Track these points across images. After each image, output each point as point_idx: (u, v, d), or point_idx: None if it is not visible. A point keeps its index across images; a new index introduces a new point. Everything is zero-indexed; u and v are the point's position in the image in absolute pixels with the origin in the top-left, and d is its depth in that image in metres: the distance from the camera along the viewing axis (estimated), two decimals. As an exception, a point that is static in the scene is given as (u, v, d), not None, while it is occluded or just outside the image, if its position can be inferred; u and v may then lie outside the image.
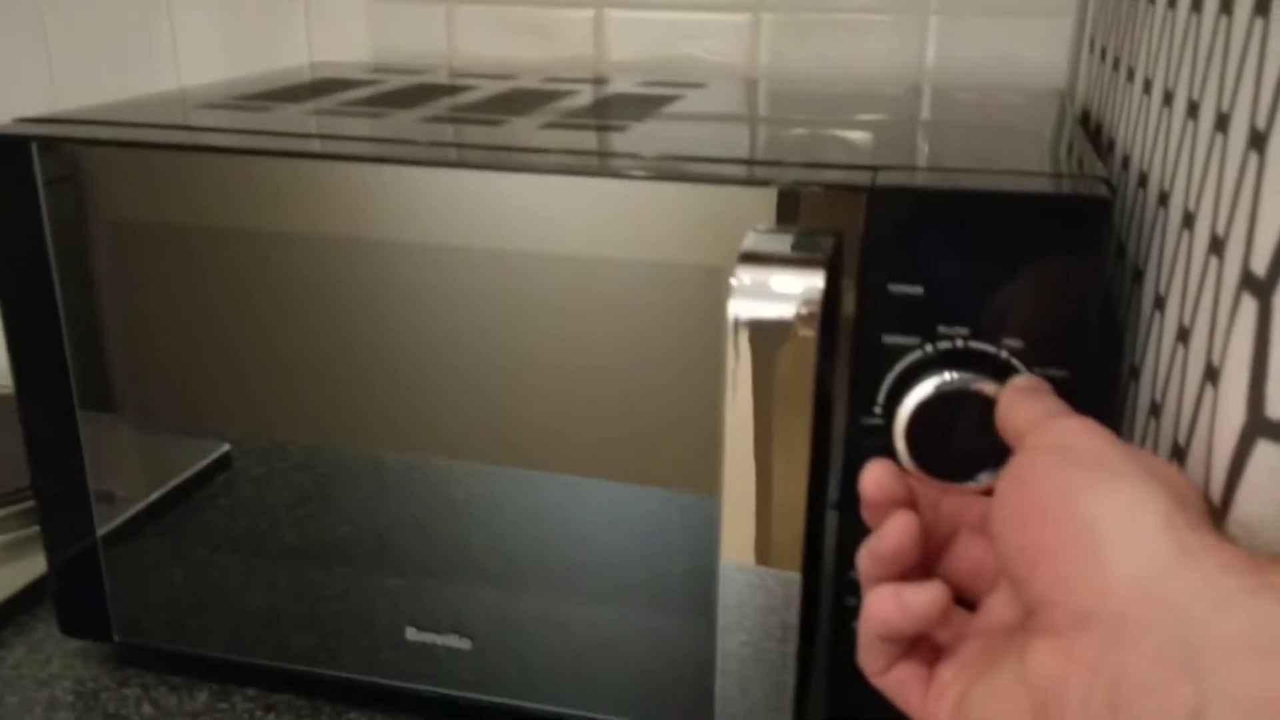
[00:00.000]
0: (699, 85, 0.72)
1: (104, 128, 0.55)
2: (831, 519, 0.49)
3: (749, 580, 0.47)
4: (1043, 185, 0.46)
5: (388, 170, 0.50)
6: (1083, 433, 0.36)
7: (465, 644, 0.56)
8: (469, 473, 0.54)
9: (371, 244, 0.51)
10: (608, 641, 0.55)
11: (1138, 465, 0.33)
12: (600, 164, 0.49)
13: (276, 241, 0.52)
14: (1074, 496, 0.33)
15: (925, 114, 0.65)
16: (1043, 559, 0.33)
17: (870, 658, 0.41)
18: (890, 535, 0.40)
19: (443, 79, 0.74)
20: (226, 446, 0.57)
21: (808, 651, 0.49)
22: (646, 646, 0.54)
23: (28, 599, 0.68)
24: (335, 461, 0.55)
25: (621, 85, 0.72)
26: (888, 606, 0.39)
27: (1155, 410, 0.43)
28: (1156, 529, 0.30)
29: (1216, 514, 0.33)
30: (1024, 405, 0.40)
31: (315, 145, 0.53)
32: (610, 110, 0.62)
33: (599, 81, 0.74)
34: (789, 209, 0.47)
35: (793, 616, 0.47)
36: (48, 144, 0.53)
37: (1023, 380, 0.43)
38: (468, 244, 0.50)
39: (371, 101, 0.64)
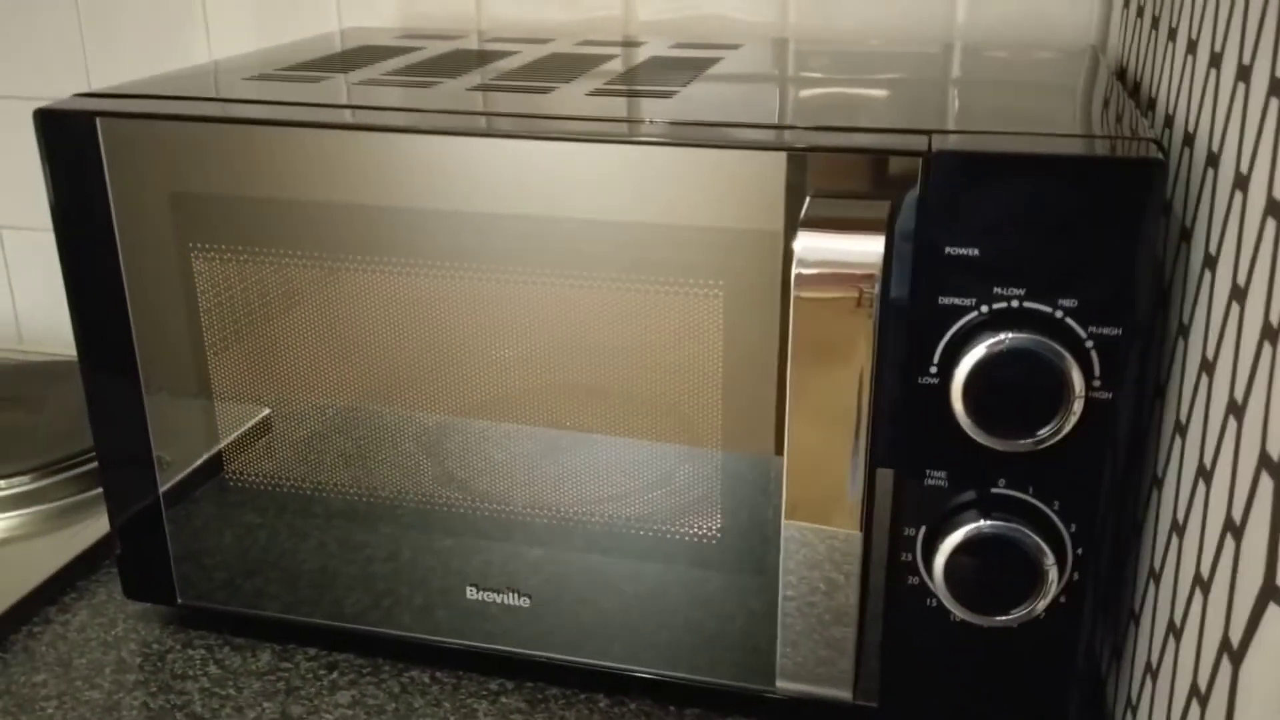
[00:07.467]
0: (735, 46, 0.73)
1: (163, 102, 0.56)
2: (885, 477, 0.50)
3: (809, 538, 0.49)
4: (1095, 147, 0.47)
5: (449, 141, 0.51)
6: None
7: (523, 602, 0.58)
8: (507, 434, 0.55)
9: (430, 213, 0.52)
10: (656, 597, 0.56)
11: None
12: (650, 131, 0.50)
13: (326, 211, 0.53)
14: None
15: (964, 74, 0.65)
16: None
17: None
18: None
19: (478, 45, 0.75)
20: (266, 411, 0.58)
21: (863, 608, 0.51)
22: (694, 602, 0.56)
23: (84, 564, 0.70)
24: (372, 424, 0.57)
25: (657, 48, 0.73)
26: None
27: (1207, 367, 0.45)
28: None
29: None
30: None
31: (372, 118, 0.53)
32: (654, 75, 0.63)
33: (632, 44, 0.75)
34: (842, 173, 0.48)
35: (853, 574, 0.49)
36: (111, 119, 0.53)
37: None
38: (518, 212, 0.51)
39: (417, 70, 0.64)
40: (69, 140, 0.54)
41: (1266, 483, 0.36)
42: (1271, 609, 0.35)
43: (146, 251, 0.56)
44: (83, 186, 0.55)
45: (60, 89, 0.56)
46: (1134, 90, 0.65)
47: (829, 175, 0.47)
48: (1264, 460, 0.37)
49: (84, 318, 0.58)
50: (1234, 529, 0.39)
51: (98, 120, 0.53)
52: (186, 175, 0.54)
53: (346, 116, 0.54)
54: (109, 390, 0.59)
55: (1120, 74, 0.70)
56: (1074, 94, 0.59)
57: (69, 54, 0.93)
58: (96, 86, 0.58)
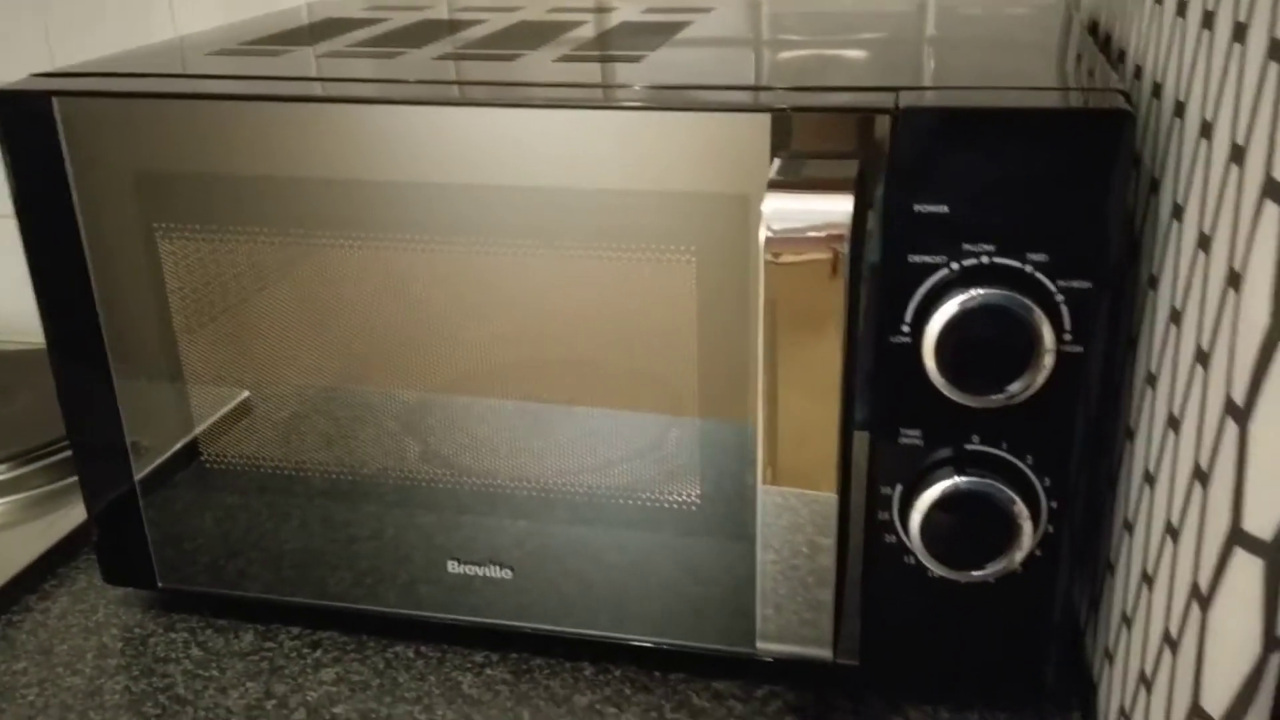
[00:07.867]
0: (707, 10, 0.72)
1: (123, 80, 0.55)
2: (861, 438, 0.50)
3: (787, 502, 0.49)
4: (1062, 100, 0.47)
5: (416, 111, 0.50)
6: None
7: (506, 574, 0.58)
8: (487, 407, 0.55)
9: (399, 185, 0.51)
10: (639, 566, 0.56)
11: None
12: (620, 96, 0.50)
13: (295, 186, 0.52)
14: None
15: (936, 31, 0.65)
16: None
17: None
18: None
19: (446, 14, 0.74)
20: (246, 393, 0.58)
21: (842, 568, 0.51)
22: (677, 569, 0.56)
23: (63, 551, 0.70)
24: (354, 403, 0.56)
25: (628, 13, 0.72)
26: None
27: (1176, 317, 0.45)
28: None
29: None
30: None
31: (337, 89, 0.53)
32: (624, 40, 0.62)
33: (603, 10, 0.74)
34: (810, 133, 0.47)
35: (830, 535, 0.49)
36: (68, 98, 0.53)
37: None
38: (491, 182, 0.50)
39: (384, 41, 0.64)
40: (25, 121, 0.54)
41: (1231, 428, 0.36)
42: (1237, 553, 0.35)
43: (110, 234, 0.55)
44: (42, 169, 0.54)
45: (24, 74, 0.56)
46: (1105, 43, 0.65)
47: (797, 136, 0.47)
48: (1229, 406, 0.37)
49: (49, 304, 0.57)
50: (1201, 476, 0.39)
51: (54, 100, 0.53)
52: (149, 154, 0.53)
53: (314, 89, 0.53)
54: (79, 377, 0.59)
55: (1093, 28, 0.70)
56: (1045, 49, 0.58)
57: (33, 39, 0.92)
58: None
